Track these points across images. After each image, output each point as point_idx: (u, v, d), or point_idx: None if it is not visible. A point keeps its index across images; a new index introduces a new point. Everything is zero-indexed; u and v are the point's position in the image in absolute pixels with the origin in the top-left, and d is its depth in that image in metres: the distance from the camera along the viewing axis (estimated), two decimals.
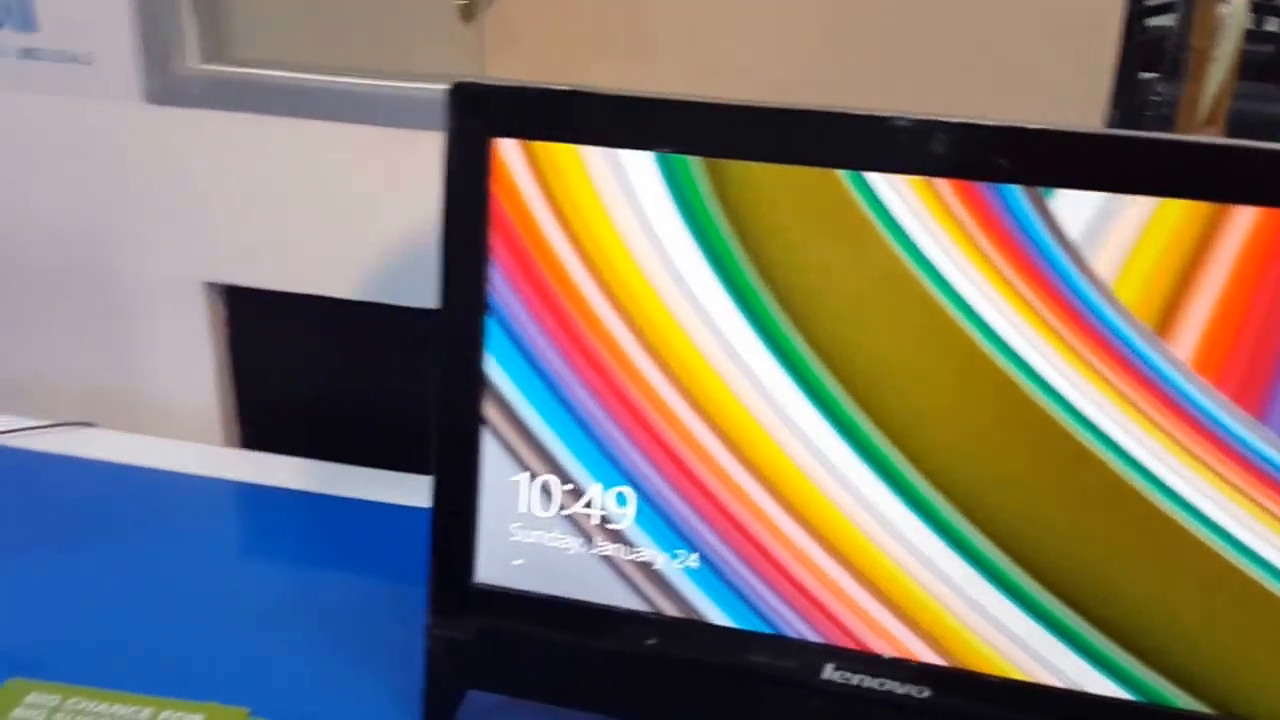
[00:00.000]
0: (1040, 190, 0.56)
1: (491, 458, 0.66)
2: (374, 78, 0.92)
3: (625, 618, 0.66)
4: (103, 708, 0.68)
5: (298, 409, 1.05)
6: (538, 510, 0.66)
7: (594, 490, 0.65)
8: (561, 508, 0.65)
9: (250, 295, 1.00)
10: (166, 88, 0.93)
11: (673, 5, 0.95)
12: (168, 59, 0.93)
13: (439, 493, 0.67)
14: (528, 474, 0.65)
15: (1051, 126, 0.55)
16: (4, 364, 1.08)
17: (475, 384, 0.65)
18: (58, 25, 0.93)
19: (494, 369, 0.65)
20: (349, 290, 0.97)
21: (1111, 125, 0.89)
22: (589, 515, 0.65)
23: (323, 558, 0.84)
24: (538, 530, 0.66)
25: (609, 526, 0.65)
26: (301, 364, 1.04)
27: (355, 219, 0.95)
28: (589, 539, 0.65)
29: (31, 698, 0.69)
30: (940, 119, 0.56)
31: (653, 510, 0.64)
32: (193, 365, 1.03)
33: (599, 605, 0.66)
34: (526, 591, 0.67)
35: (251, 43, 0.97)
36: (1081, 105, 0.86)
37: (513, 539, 0.66)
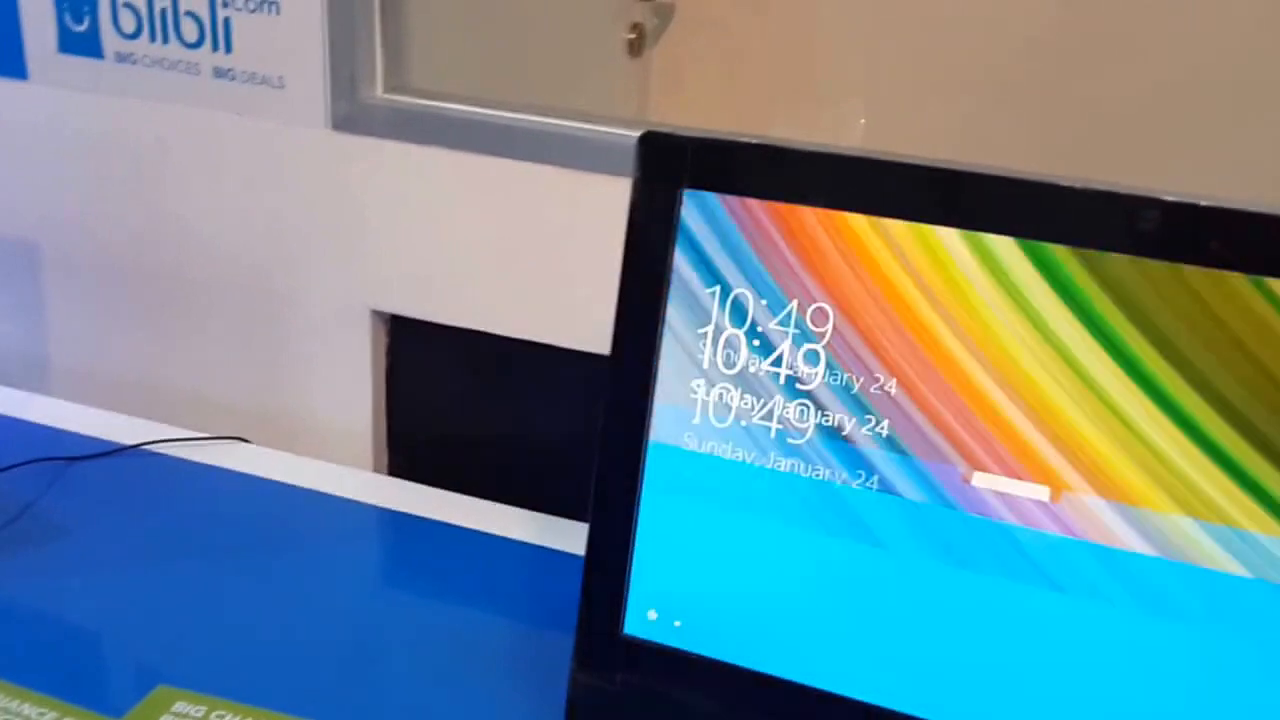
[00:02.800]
0: None
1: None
2: (551, 115, 0.92)
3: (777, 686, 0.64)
4: None
5: (447, 441, 1.06)
6: None
7: None
8: None
9: (413, 325, 1.01)
10: (351, 115, 0.95)
11: (830, 44, 0.94)
12: (355, 87, 0.94)
13: (594, 539, 0.66)
14: None
15: None
16: (166, 375, 1.10)
17: (640, 434, 0.64)
18: (253, 48, 0.96)
19: None
20: (509, 328, 0.97)
21: None
22: None
23: (467, 593, 0.83)
24: None
25: None
26: (456, 397, 1.05)
27: (522, 258, 0.95)
28: None
29: (178, 706, 0.70)
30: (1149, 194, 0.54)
31: None
32: (351, 390, 1.04)
33: (750, 670, 0.64)
34: (676, 649, 0.65)
35: (426, 74, 0.98)
36: None
37: None
